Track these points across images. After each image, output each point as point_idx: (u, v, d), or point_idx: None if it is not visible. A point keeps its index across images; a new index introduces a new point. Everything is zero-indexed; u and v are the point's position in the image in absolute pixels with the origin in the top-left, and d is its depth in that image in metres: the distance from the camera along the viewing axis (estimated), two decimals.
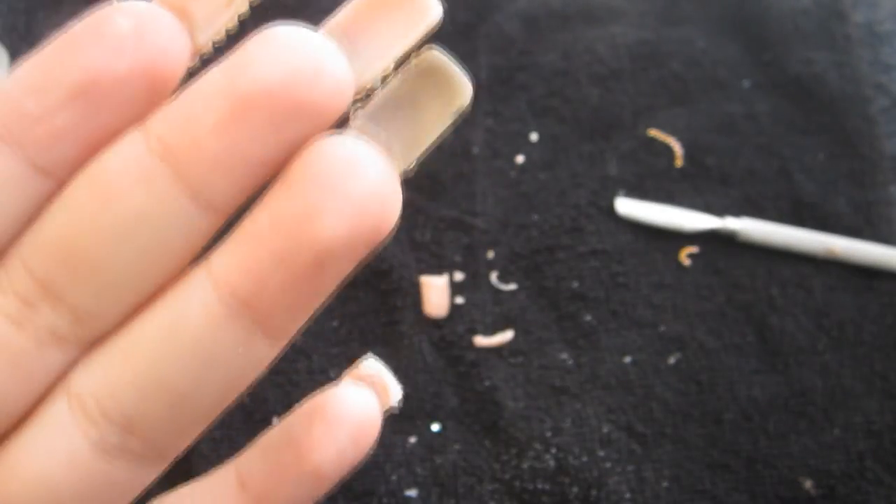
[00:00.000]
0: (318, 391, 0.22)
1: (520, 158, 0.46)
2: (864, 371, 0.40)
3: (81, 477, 0.17)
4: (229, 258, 0.17)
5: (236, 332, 0.17)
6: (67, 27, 0.16)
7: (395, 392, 0.22)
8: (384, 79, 0.18)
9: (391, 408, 0.22)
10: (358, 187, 0.16)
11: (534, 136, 0.47)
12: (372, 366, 0.22)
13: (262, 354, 0.18)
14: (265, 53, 0.16)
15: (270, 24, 0.17)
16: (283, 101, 0.16)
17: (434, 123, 0.18)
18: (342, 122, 0.18)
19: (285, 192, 0.17)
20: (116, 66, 0.16)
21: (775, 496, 0.38)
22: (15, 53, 0.49)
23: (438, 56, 0.18)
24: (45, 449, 0.17)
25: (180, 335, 0.17)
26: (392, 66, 0.18)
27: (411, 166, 0.18)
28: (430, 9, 0.18)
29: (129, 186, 0.16)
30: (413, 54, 0.18)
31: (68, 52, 0.16)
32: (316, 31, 0.17)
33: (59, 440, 0.17)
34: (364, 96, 0.18)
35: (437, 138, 0.18)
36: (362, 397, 0.21)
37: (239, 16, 0.18)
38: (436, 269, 0.43)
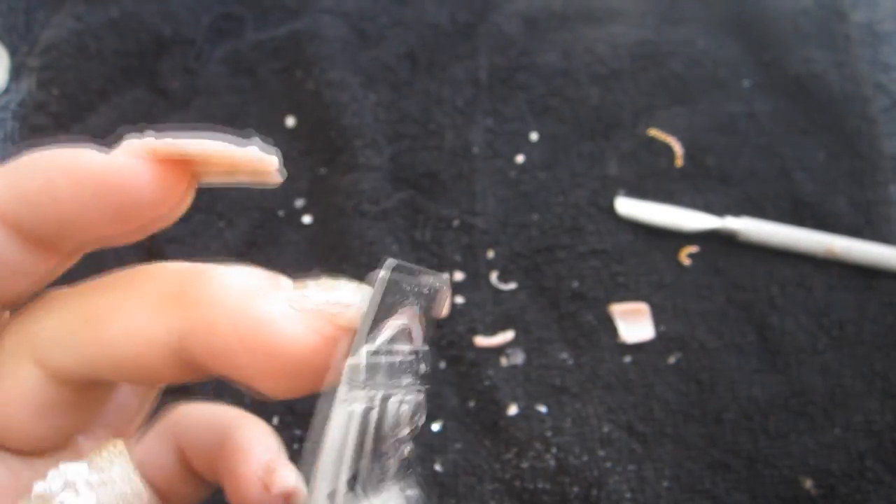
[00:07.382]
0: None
1: (520, 158, 0.46)
2: (864, 371, 0.40)
3: None
4: None
5: None
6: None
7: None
8: None
9: None
10: None
11: (534, 136, 0.47)
12: None
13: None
14: None
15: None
16: None
17: None
18: None
19: None
20: None
21: (775, 496, 0.38)
22: (15, 53, 0.49)
23: None
24: None
25: None
26: None
27: None
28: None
29: None
30: None
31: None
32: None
33: None
34: None
35: None
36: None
37: None
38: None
